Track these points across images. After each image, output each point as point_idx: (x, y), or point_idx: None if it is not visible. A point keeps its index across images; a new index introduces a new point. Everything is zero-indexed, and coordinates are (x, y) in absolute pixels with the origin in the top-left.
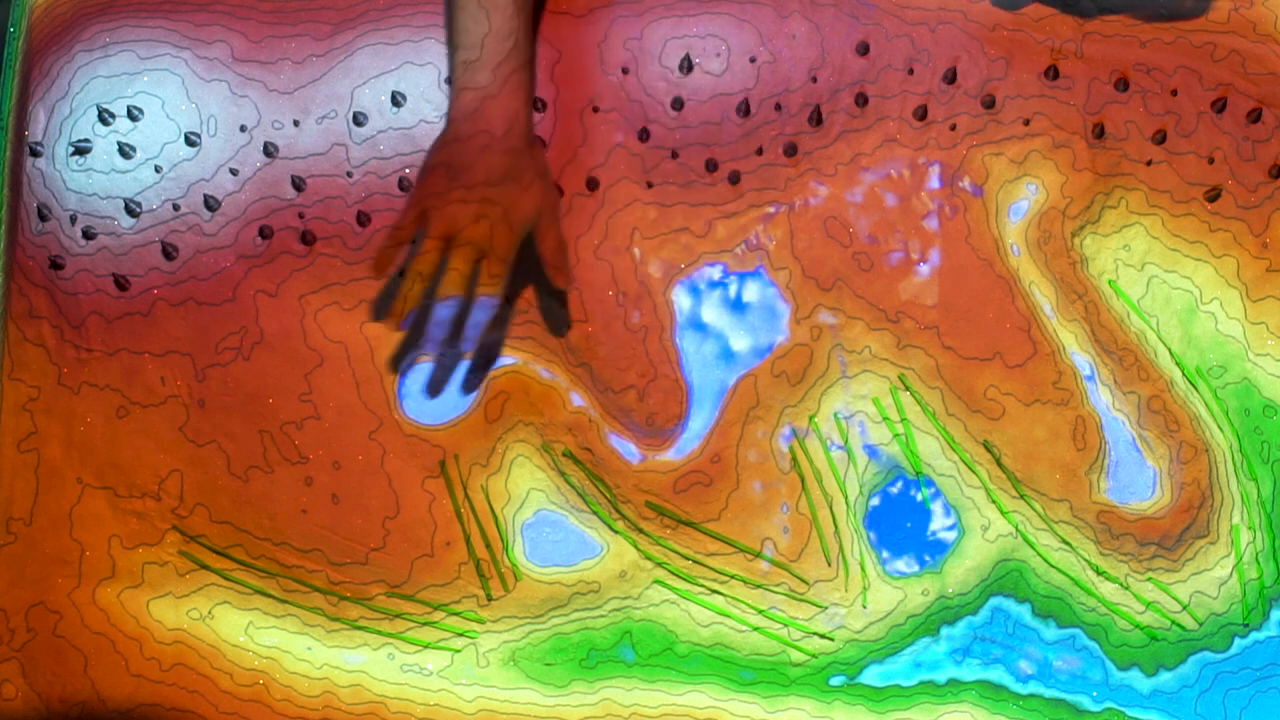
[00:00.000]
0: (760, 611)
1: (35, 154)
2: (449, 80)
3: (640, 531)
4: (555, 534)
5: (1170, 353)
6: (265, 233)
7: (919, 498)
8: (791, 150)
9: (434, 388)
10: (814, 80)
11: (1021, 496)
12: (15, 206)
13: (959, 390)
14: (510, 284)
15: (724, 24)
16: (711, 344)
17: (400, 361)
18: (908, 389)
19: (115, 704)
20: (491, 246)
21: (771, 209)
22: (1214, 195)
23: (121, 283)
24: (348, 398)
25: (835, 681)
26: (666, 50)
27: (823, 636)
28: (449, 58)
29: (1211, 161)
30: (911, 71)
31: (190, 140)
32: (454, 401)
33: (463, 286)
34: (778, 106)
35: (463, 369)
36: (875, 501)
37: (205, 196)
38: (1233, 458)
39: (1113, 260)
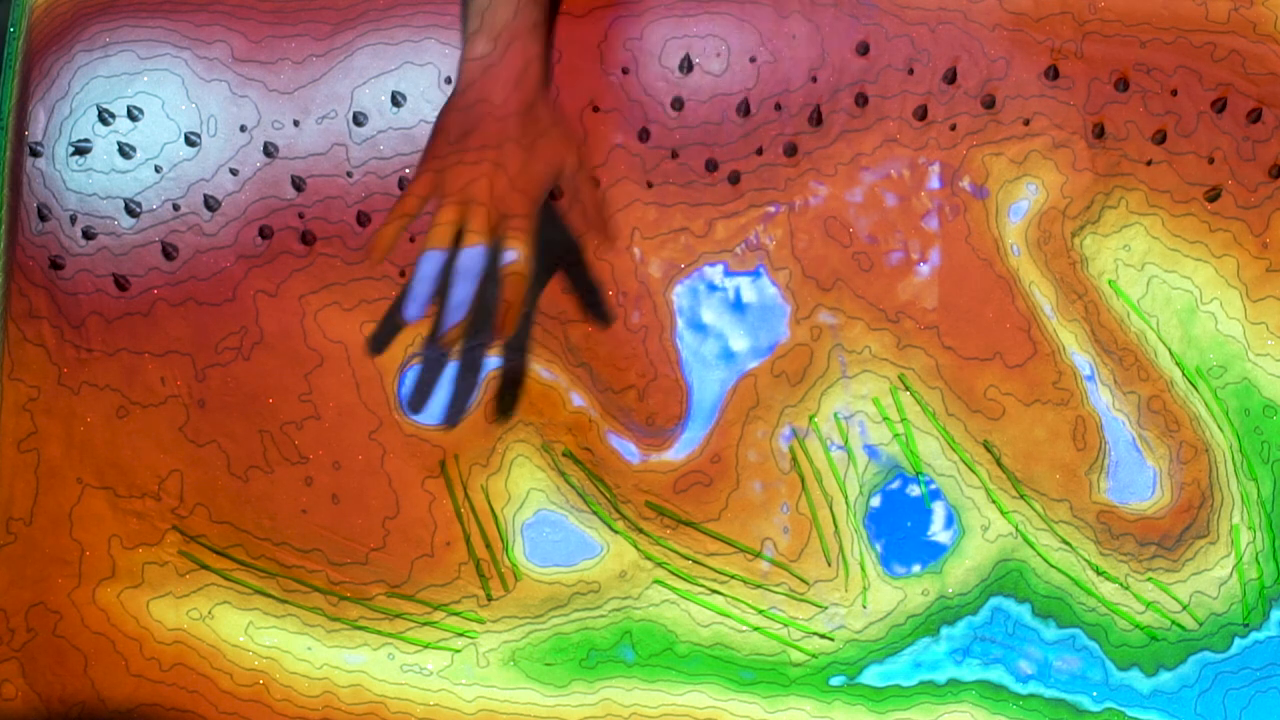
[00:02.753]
0: (760, 611)
1: (35, 154)
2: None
3: (640, 531)
4: (555, 534)
5: (1170, 353)
6: (265, 233)
7: (919, 497)
8: (791, 150)
9: (423, 392)
10: (814, 80)
11: (1021, 496)
12: (15, 206)
13: (959, 390)
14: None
15: (724, 24)
16: (711, 344)
17: (405, 362)
18: (908, 389)
19: (115, 704)
20: (507, 206)
21: (771, 209)
22: (1214, 195)
23: (121, 283)
24: (348, 398)
25: (835, 681)
26: (666, 50)
27: (823, 636)
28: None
29: (1211, 161)
30: (911, 71)
31: (190, 140)
32: (456, 400)
33: (486, 239)
34: (778, 106)
35: (470, 369)
36: (875, 501)
37: (205, 196)
38: (1233, 458)
39: (1113, 260)
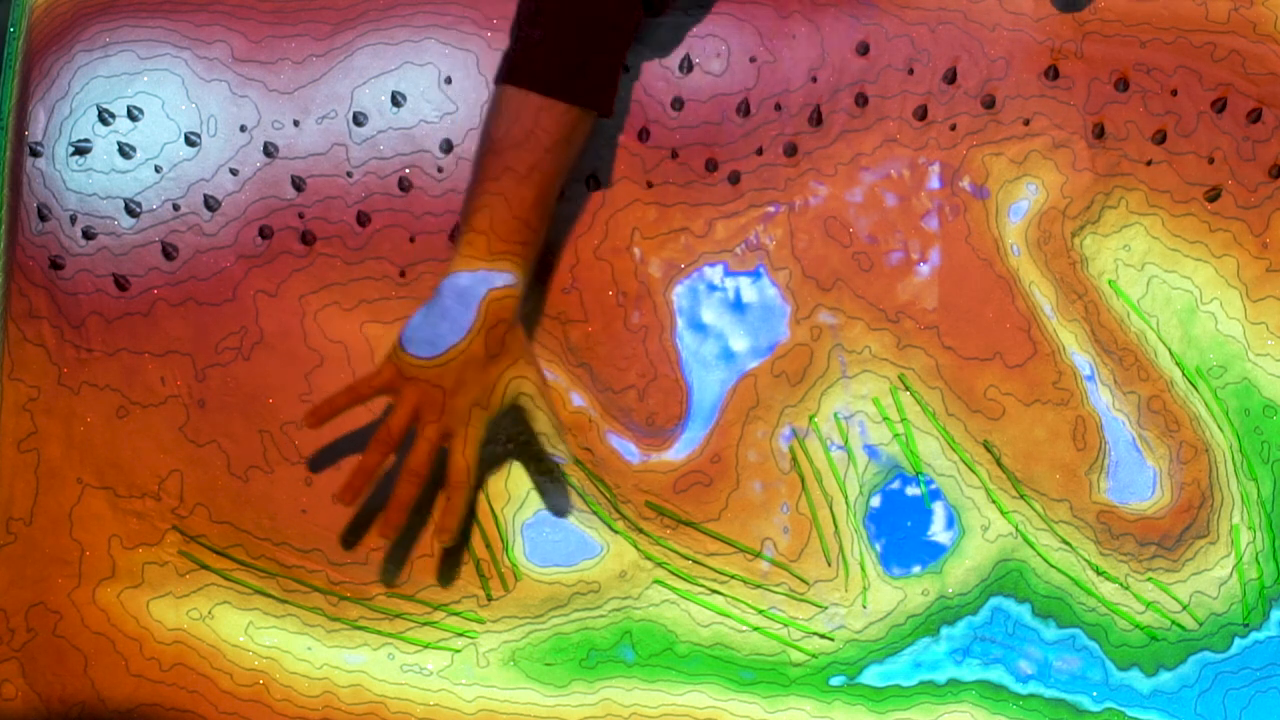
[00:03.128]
0: (760, 611)
1: (35, 154)
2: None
3: (640, 531)
4: (555, 534)
5: (1170, 353)
6: (265, 233)
7: (919, 497)
8: (791, 150)
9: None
10: (814, 80)
11: (1021, 496)
12: (15, 206)
13: (959, 390)
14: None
15: (724, 24)
16: (711, 344)
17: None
18: (908, 389)
19: (115, 704)
20: (459, 420)
21: (771, 209)
22: (1214, 195)
23: (121, 283)
24: None
25: (835, 681)
26: None
27: (823, 636)
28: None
29: (1211, 161)
30: (911, 71)
31: (190, 140)
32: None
33: (427, 466)
34: (778, 106)
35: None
36: (875, 501)
37: (205, 196)
38: (1233, 458)
39: (1113, 260)
